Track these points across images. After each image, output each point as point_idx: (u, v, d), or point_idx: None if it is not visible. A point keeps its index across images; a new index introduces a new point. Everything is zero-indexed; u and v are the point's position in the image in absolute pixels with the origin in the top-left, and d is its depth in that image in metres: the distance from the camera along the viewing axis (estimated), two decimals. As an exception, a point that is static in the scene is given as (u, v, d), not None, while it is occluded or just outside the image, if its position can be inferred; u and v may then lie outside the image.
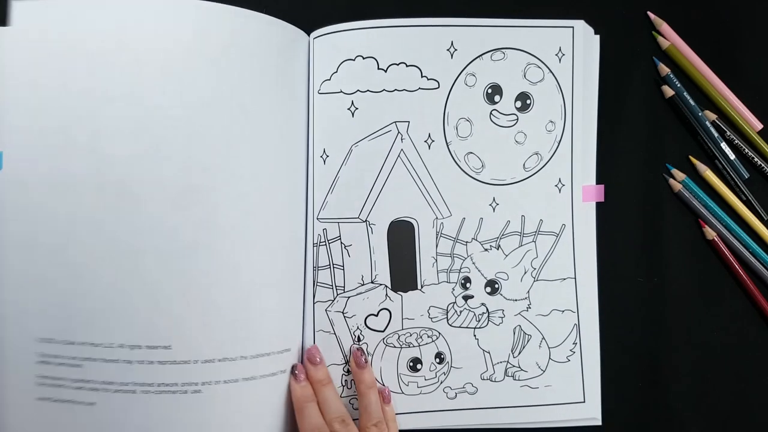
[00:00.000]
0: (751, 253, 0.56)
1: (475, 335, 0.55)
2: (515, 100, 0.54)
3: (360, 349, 0.54)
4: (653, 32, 0.58)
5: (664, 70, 0.57)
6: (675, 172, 0.56)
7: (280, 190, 0.52)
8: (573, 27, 0.55)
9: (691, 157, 0.57)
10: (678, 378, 0.56)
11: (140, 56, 0.48)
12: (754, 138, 0.56)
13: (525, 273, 0.55)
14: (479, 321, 0.55)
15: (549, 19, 0.55)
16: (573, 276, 0.55)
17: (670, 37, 0.57)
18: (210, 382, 0.48)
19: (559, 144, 0.55)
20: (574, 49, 0.55)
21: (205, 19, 0.50)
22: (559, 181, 0.55)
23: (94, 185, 0.48)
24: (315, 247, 0.54)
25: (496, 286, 0.55)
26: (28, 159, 0.48)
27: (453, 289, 0.55)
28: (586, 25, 0.55)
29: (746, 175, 0.56)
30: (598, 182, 0.56)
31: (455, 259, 0.55)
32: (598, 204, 0.56)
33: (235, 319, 0.50)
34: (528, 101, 0.55)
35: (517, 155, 0.55)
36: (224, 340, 0.49)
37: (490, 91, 0.54)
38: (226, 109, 0.50)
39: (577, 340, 0.55)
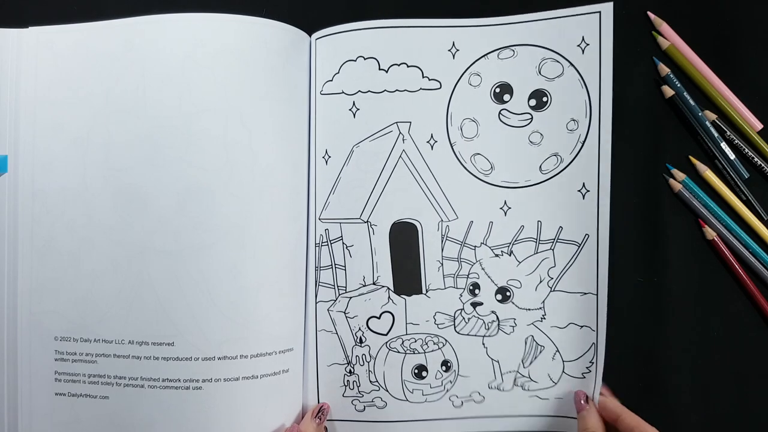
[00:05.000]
0: (751, 253, 0.56)
1: (483, 343, 0.54)
2: (529, 98, 0.52)
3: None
4: (653, 32, 0.58)
5: (664, 70, 0.57)
6: (675, 172, 0.56)
7: (281, 191, 0.53)
8: (600, 12, 0.51)
9: (691, 157, 0.57)
10: (678, 378, 0.56)
11: (146, 68, 0.51)
12: (754, 138, 0.56)
13: (540, 282, 0.53)
14: (488, 329, 0.54)
15: (570, 8, 0.52)
16: (595, 292, 0.52)
17: (670, 37, 0.57)
18: (210, 379, 0.50)
19: (583, 145, 0.52)
20: (602, 36, 0.51)
21: (206, 29, 0.51)
22: (583, 186, 0.52)
23: (106, 192, 0.51)
24: (317, 248, 0.55)
25: (508, 293, 0.53)
26: (47, 169, 0.52)
27: (461, 295, 0.54)
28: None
29: (746, 175, 0.56)
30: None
31: (462, 263, 0.54)
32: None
33: (235, 319, 0.50)
34: (544, 99, 0.52)
35: (531, 156, 0.52)
36: (224, 339, 0.50)
37: (498, 90, 0.53)
38: (226, 113, 0.51)
39: (595, 359, 0.53)
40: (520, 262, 0.53)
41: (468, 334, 0.54)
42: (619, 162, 0.56)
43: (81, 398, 0.51)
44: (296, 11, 0.56)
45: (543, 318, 0.53)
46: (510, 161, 0.53)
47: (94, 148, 0.51)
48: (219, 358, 0.50)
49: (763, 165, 0.56)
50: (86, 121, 0.51)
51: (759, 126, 0.57)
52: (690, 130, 0.57)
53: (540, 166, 0.52)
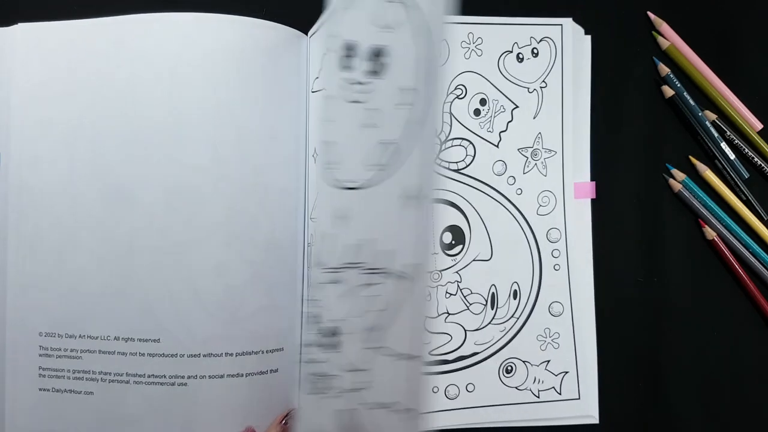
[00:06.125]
0: (751, 253, 0.56)
1: None
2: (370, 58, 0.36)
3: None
4: (653, 32, 0.58)
5: (664, 70, 0.57)
6: (675, 172, 0.56)
7: (271, 190, 0.52)
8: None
9: (691, 157, 0.57)
10: (678, 378, 0.55)
11: (135, 67, 0.51)
12: (754, 138, 0.56)
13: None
14: None
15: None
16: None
17: (670, 37, 0.57)
18: (195, 376, 0.49)
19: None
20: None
21: (196, 28, 0.50)
22: (406, 192, 0.37)
23: (94, 190, 0.51)
24: (310, 247, 0.54)
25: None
26: (35, 166, 0.52)
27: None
28: (575, 24, 0.55)
29: (746, 175, 0.56)
30: (595, 182, 0.56)
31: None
32: (597, 203, 0.56)
33: (221, 316, 0.50)
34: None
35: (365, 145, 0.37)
36: (210, 336, 0.50)
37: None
38: (216, 113, 0.50)
39: None
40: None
41: None
42: (619, 162, 0.56)
43: (65, 394, 0.50)
44: (297, 11, 0.56)
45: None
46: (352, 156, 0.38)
47: (82, 146, 0.51)
48: (204, 355, 0.49)
49: (763, 165, 0.56)
50: (75, 118, 0.51)
51: (759, 126, 0.57)
52: (690, 130, 0.57)
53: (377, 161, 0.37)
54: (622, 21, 0.58)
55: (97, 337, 0.50)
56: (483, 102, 0.54)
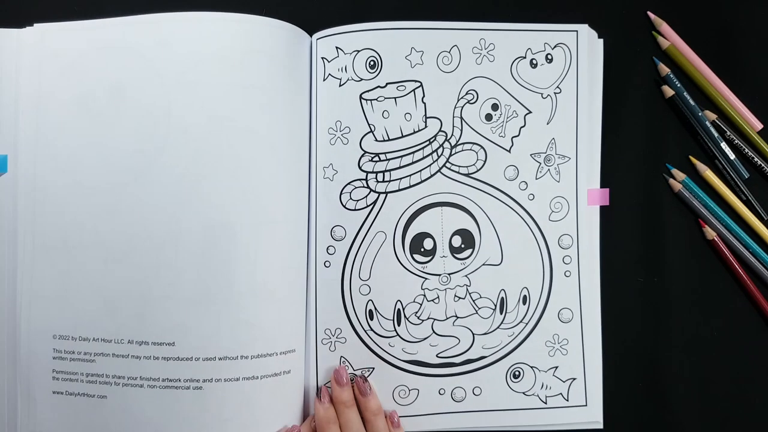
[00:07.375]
0: (751, 253, 0.56)
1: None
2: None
3: (363, 377, 0.53)
4: (653, 32, 0.57)
5: (664, 70, 0.57)
6: (675, 172, 0.56)
7: (283, 193, 0.52)
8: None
9: (691, 157, 0.57)
10: (678, 378, 0.56)
11: (147, 67, 0.51)
12: (754, 138, 0.56)
13: None
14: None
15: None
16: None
17: (670, 37, 0.57)
18: (211, 379, 0.50)
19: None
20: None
21: (210, 27, 0.51)
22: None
23: (106, 193, 0.51)
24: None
25: None
26: (48, 167, 0.52)
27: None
28: (590, 29, 0.55)
29: (746, 175, 0.56)
30: (609, 189, 0.56)
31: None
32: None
33: (236, 320, 0.50)
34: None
35: None
36: (225, 340, 0.50)
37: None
38: (226, 112, 0.51)
39: None
40: None
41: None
42: (619, 162, 0.57)
43: (79, 397, 0.51)
44: (298, 12, 0.56)
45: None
46: None
47: (95, 146, 0.51)
48: (219, 359, 0.50)
49: (763, 165, 0.56)
50: (88, 119, 0.51)
51: (759, 126, 0.57)
52: (690, 130, 0.57)
53: None
54: (623, 21, 0.57)
55: (110, 341, 0.51)
56: (495, 107, 0.54)
